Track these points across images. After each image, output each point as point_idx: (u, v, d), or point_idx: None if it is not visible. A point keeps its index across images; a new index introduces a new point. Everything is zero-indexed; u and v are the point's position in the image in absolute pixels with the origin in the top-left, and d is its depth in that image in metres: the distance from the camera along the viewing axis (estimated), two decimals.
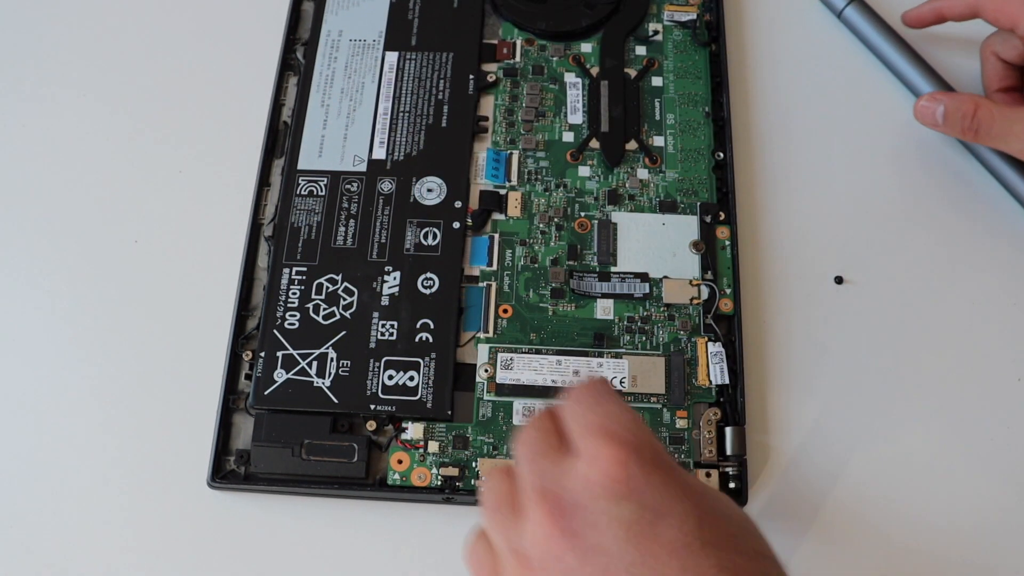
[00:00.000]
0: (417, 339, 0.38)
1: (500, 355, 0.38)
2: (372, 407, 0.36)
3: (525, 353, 0.38)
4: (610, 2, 0.46)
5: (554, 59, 0.45)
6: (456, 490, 0.36)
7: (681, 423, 0.37)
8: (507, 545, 0.24)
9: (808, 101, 0.46)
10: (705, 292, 0.39)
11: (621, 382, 0.37)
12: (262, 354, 0.37)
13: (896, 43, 0.46)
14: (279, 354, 0.37)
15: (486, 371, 0.37)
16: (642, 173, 0.42)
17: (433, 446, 0.36)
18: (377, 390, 0.37)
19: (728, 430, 0.36)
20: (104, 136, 0.45)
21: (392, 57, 0.44)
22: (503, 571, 0.24)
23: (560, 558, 0.22)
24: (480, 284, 0.39)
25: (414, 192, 0.41)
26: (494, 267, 0.40)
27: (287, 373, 0.37)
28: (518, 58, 0.45)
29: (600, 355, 0.37)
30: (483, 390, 0.37)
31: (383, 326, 0.38)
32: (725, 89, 0.44)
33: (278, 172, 0.42)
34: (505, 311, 0.39)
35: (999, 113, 0.38)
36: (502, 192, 0.41)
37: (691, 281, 0.40)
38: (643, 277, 0.40)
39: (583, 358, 0.37)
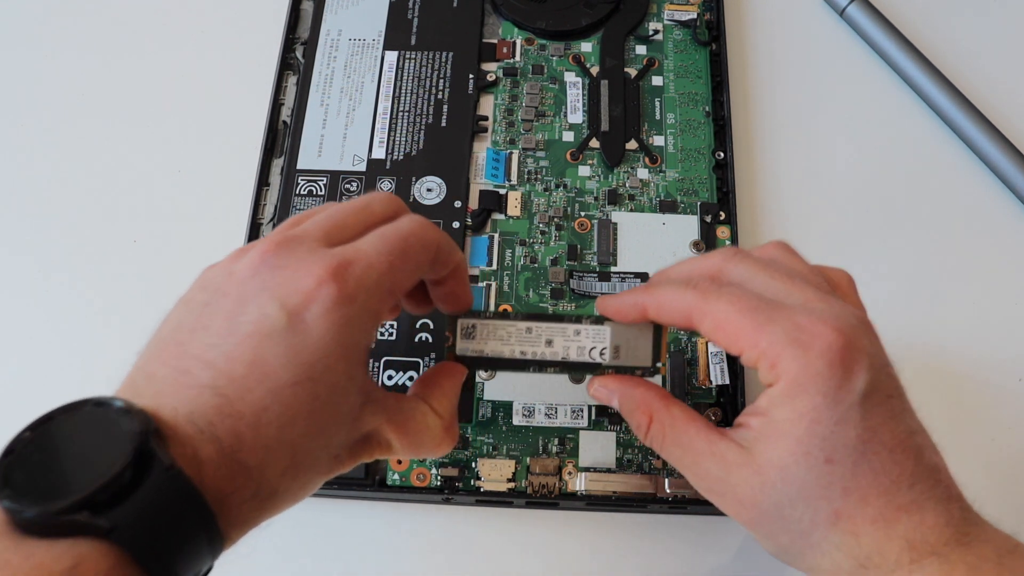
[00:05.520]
0: (417, 339, 0.38)
1: (459, 321, 0.30)
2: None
3: (489, 319, 0.30)
4: (610, 1, 0.46)
5: (554, 58, 0.45)
6: (456, 490, 0.35)
7: None
8: None
9: (809, 100, 0.46)
10: None
11: (601, 353, 0.30)
12: None
13: (899, 42, 0.46)
14: None
15: (486, 371, 0.37)
16: (642, 173, 0.42)
17: None
18: None
19: None
20: (103, 135, 0.45)
21: (392, 56, 0.44)
22: None
23: None
24: (480, 284, 0.39)
25: (414, 192, 0.41)
26: (494, 267, 0.40)
27: None
28: (518, 57, 0.45)
29: (578, 320, 0.30)
30: (482, 390, 0.37)
31: (382, 326, 0.38)
32: (725, 89, 0.44)
33: (277, 171, 0.42)
34: (505, 311, 0.39)
35: (671, 434, 0.27)
36: (502, 192, 0.41)
37: None
38: (643, 277, 0.40)
39: (556, 323, 0.30)
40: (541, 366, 0.30)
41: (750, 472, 0.25)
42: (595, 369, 0.30)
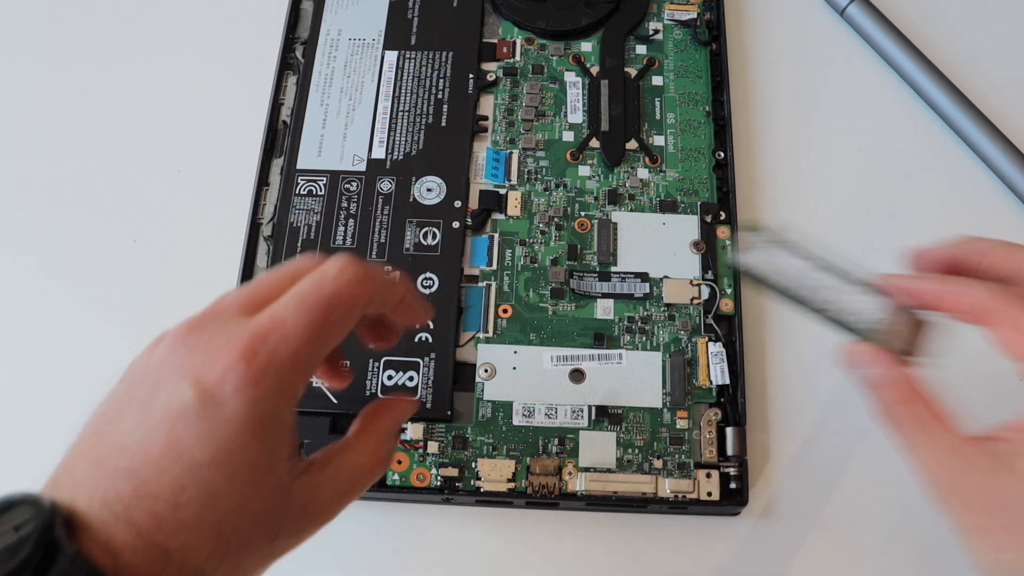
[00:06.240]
0: (417, 339, 0.38)
1: (763, 232, 0.31)
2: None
3: (792, 245, 0.31)
4: (610, 1, 0.46)
5: (554, 58, 0.45)
6: (456, 490, 0.35)
7: (681, 423, 0.37)
8: None
9: (809, 100, 0.46)
10: (705, 292, 0.39)
11: (871, 323, 0.31)
12: None
13: (899, 41, 0.46)
14: None
15: (486, 371, 0.37)
16: (642, 173, 0.42)
17: (433, 446, 0.36)
18: (376, 390, 0.37)
19: (729, 430, 0.36)
20: (103, 135, 0.45)
21: (392, 56, 0.44)
22: None
23: None
24: (480, 284, 0.39)
25: (414, 191, 0.41)
26: (494, 267, 0.40)
27: None
28: (518, 57, 0.45)
29: (866, 285, 0.30)
30: (482, 390, 0.37)
31: None
32: (726, 88, 0.44)
33: (277, 171, 0.42)
34: (505, 311, 0.39)
35: (919, 418, 0.28)
36: (502, 192, 0.41)
37: (691, 281, 0.39)
38: (643, 277, 0.39)
39: (845, 281, 0.30)
40: (819, 310, 0.31)
41: (1000, 476, 0.24)
42: (859, 335, 0.31)
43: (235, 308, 0.24)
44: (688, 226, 0.41)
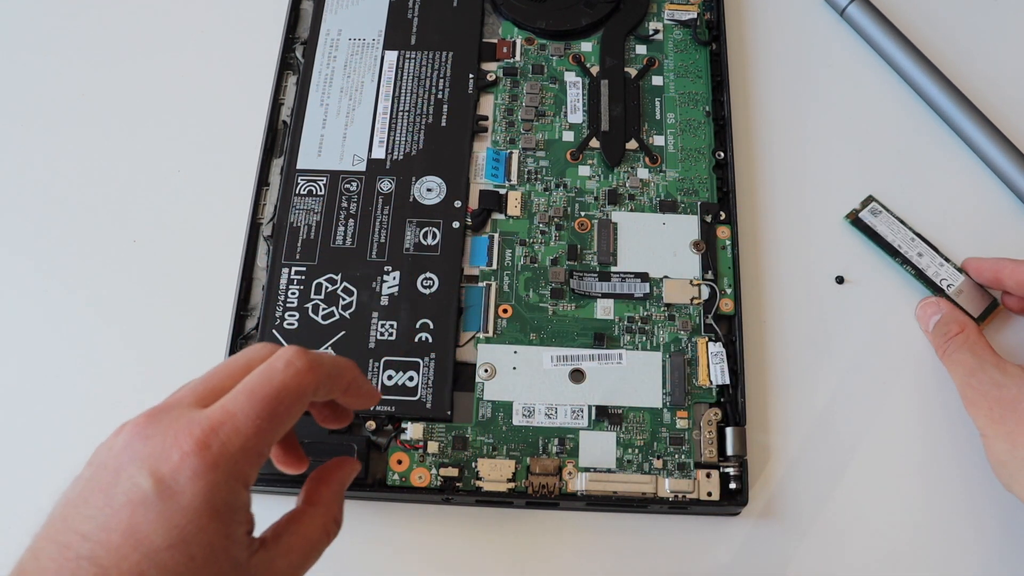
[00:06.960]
0: (416, 339, 0.38)
1: (873, 203, 0.41)
2: (371, 407, 0.36)
3: (893, 217, 0.41)
4: (610, 1, 0.46)
5: (554, 58, 0.45)
6: (456, 491, 0.35)
7: (682, 423, 0.37)
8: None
9: (809, 100, 0.46)
10: (705, 292, 0.39)
11: (947, 287, 0.39)
12: None
13: (899, 41, 0.46)
14: None
15: (486, 371, 0.37)
16: (642, 173, 0.42)
17: (433, 446, 0.36)
18: (377, 389, 0.37)
19: (729, 430, 0.36)
20: (103, 135, 0.45)
21: (391, 56, 0.44)
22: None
23: None
24: (480, 284, 0.39)
25: (413, 192, 0.41)
26: (494, 267, 0.40)
27: None
28: (518, 57, 0.45)
29: (947, 260, 0.40)
30: (482, 390, 0.37)
31: (382, 326, 0.38)
32: (726, 88, 0.44)
33: (277, 171, 0.42)
34: (505, 311, 0.39)
35: (973, 346, 0.36)
36: (502, 192, 0.41)
37: (691, 281, 0.39)
38: (643, 277, 0.40)
39: (934, 251, 0.40)
40: (906, 262, 0.40)
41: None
42: (933, 291, 0.40)
43: (189, 400, 0.26)
44: (688, 226, 0.41)
